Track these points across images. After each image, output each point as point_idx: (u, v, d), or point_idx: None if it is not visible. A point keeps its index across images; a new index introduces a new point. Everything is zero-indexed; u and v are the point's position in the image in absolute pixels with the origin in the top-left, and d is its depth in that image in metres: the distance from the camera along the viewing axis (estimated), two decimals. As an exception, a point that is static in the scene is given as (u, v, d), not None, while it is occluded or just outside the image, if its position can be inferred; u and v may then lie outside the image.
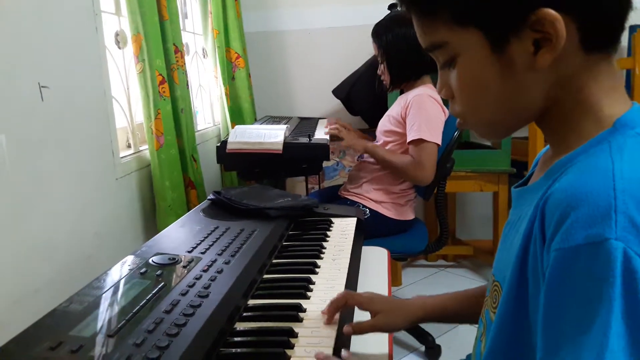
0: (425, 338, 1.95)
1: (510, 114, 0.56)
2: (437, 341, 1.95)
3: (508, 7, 0.50)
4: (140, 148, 1.72)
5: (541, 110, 0.55)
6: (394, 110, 1.90)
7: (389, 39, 1.81)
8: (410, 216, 1.95)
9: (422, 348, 1.96)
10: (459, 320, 0.82)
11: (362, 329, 0.76)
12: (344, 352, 0.66)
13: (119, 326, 0.67)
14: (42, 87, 1.21)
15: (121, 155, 1.57)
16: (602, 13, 0.50)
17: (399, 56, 1.82)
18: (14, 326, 0.67)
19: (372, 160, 1.92)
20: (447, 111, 1.84)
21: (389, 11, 1.93)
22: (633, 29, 2.44)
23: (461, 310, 0.78)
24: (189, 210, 1.76)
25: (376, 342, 0.81)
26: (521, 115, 0.57)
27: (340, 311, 0.79)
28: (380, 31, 1.85)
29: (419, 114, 1.75)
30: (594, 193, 0.44)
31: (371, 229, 1.67)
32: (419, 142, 1.74)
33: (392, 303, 0.80)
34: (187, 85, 1.88)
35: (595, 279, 0.41)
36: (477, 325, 0.67)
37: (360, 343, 0.81)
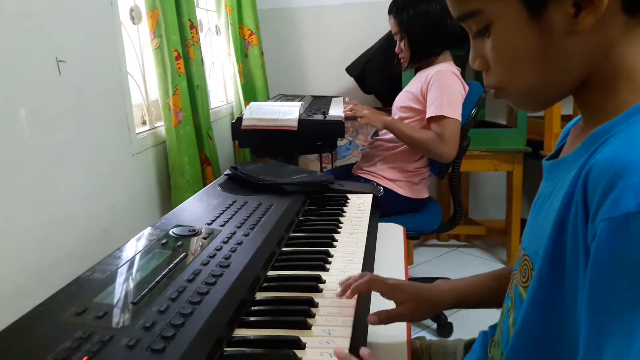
0: (437, 316, 1.96)
1: (550, 83, 0.54)
2: (449, 319, 1.96)
3: None
4: (155, 125, 1.72)
5: (581, 79, 0.53)
6: (413, 86, 1.88)
7: (411, 15, 1.78)
8: (424, 195, 1.95)
9: (434, 325, 1.97)
10: (485, 306, 0.78)
11: (389, 318, 0.73)
12: (362, 350, 0.63)
13: (142, 294, 0.68)
14: (60, 61, 1.21)
15: (137, 131, 1.58)
16: None
17: (422, 32, 1.79)
18: (35, 297, 0.68)
19: (386, 137, 1.91)
20: (467, 88, 1.81)
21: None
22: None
23: (488, 293, 0.76)
24: (205, 186, 1.77)
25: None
26: (561, 83, 0.54)
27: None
28: (400, 7, 1.81)
29: (442, 90, 1.73)
30: None
31: (385, 207, 1.66)
32: (440, 118, 1.73)
33: (419, 292, 0.75)
34: (202, 61, 1.87)
35: None
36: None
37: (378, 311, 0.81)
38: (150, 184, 1.64)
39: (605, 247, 0.42)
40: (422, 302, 0.74)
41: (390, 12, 1.85)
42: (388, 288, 0.74)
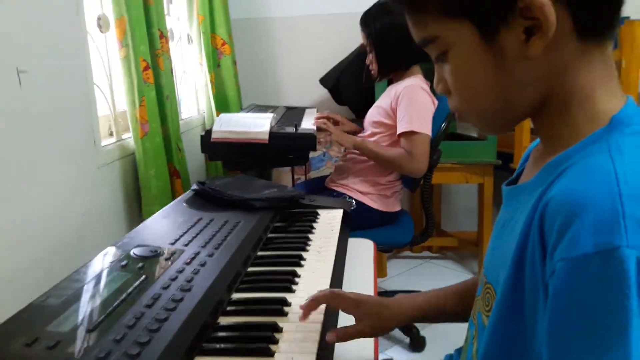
0: (409, 330, 1.96)
1: (507, 107, 0.55)
2: (422, 333, 1.96)
3: None
4: (123, 136, 1.68)
5: (538, 102, 0.53)
6: (383, 101, 1.88)
7: (378, 28, 1.79)
8: (396, 208, 1.95)
9: (407, 340, 1.97)
10: (447, 319, 0.78)
11: (348, 335, 0.72)
12: (328, 335, 0.62)
13: (98, 321, 0.65)
14: (20, 71, 1.17)
15: (103, 143, 1.54)
16: None
17: (388, 46, 1.80)
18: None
19: (358, 152, 1.91)
20: (436, 102, 1.83)
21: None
22: (621, 20, 2.46)
23: (450, 308, 0.76)
24: (174, 199, 1.73)
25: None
26: (519, 107, 0.55)
27: (326, 305, 0.76)
28: (368, 20, 1.82)
29: (411, 105, 1.74)
30: (598, 198, 0.42)
31: (357, 221, 1.66)
32: (410, 134, 1.73)
33: (379, 306, 0.74)
34: (172, 71, 1.84)
35: (608, 289, 0.40)
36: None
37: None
38: (116, 196, 1.60)
39: (562, 288, 0.42)
40: (381, 317, 0.74)
41: (360, 23, 1.86)
42: (350, 303, 0.74)
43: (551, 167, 0.51)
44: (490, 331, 0.54)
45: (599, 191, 0.43)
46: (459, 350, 0.73)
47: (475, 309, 0.63)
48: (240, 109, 2.56)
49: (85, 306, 0.70)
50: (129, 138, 1.64)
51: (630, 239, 0.40)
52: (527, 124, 2.36)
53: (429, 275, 2.53)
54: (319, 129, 1.88)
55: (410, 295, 0.78)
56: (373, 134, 1.90)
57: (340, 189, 1.92)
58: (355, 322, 0.74)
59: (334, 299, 0.74)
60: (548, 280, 0.44)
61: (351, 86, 2.50)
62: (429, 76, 1.92)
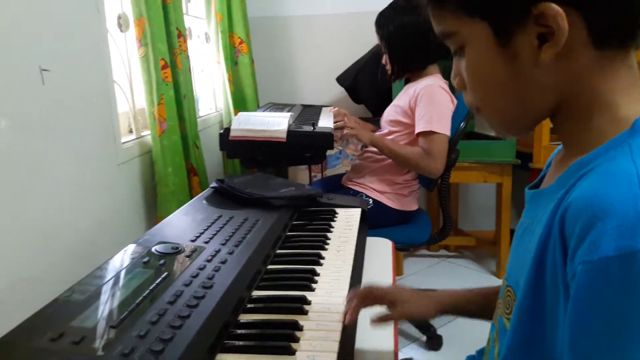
0: (426, 328, 1.95)
1: (518, 109, 0.55)
2: (439, 331, 1.95)
3: None
4: (142, 133, 1.70)
5: (552, 107, 0.53)
6: (402, 100, 1.87)
7: (391, 30, 1.78)
8: (413, 207, 1.94)
9: (424, 338, 1.96)
10: (477, 317, 0.78)
11: (391, 318, 0.74)
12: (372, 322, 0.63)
13: (121, 317, 0.66)
14: (43, 70, 1.19)
15: (123, 140, 1.55)
16: (612, 8, 0.48)
17: (401, 47, 1.79)
18: (15, 314, 0.66)
19: (375, 150, 1.90)
20: (455, 101, 1.81)
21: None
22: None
23: (481, 309, 0.75)
24: (191, 196, 1.75)
25: (381, 333, 0.80)
26: (530, 109, 0.55)
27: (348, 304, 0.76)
28: (382, 21, 1.82)
29: (430, 104, 1.73)
30: (621, 202, 0.42)
31: (374, 220, 1.65)
32: (429, 133, 1.72)
33: (419, 293, 0.78)
34: (190, 70, 1.85)
35: (630, 292, 0.40)
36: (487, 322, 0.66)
37: (365, 334, 0.80)
38: (135, 193, 1.62)
39: (584, 291, 0.42)
40: (424, 302, 0.76)
41: (375, 25, 1.85)
42: (389, 288, 0.77)
43: (572, 170, 0.50)
44: (511, 334, 0.54)
45: (621, 195, 0.42)
46: (480, 352, 0.72)
47: (496, 312, 0.62)
48: (257, 107, 2.57)
49: (109, 302, 0.70)
50: (148, 135, 1.66)
51: None
52: (547, 123, 2.34)
53: (446, 274, 2.52)
54: (336, 128, 1.87)
55: (440, 291, 0.79)
56: (390, 133, 1.89)
57: (357, 188, 1.91)
58: (390, 310, 0.75)
59: (375, 290, 0.76)
60: (569, 282, 0.44)
61: (368, 85, 2.49)
62: (447, 75, 1.90)
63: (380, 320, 0.73)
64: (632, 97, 0.51)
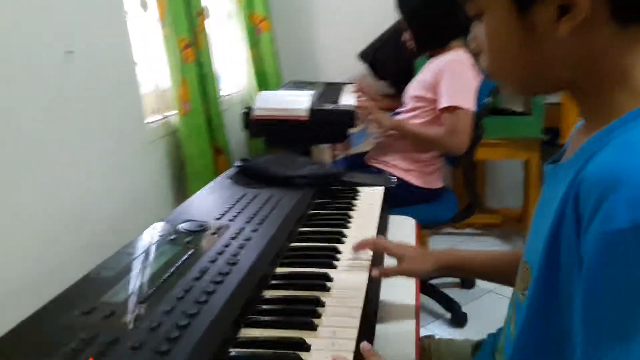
0: (451, 306, 1.95)
1: (533, 78, 0.55)
2: (463, 309, 1.95)
3: None
4: (167, 114, 1.72)
5: (569, 81, 0.53)
6: (425, 75, 1.84)
7: (413, 6, 1.75)
8: (438, 184, 1.92)
9: (448, 315, 1.96)
10: (484, 278, 0.86)
11: (390, 272, 0.82)
12: (363, 345, 0.64)
13: (149, 293, 0.68)
14: (68, 52, 1.21)
15: (149, 120, 1.57)
16: None
17: (423, 24, 1.76)
18: (49, 293, 0.68)
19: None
20: (480, 77, 1.78)
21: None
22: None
23: (488, 269, 0.81)
24: (217, 176, 1.77)
25: (405, 301, 0.85)
26: (545, 81, 0.55)
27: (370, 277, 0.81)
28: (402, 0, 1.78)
29: (454, 79, 1.70)
30: (635, 173, 0.41)
31: (399, 198, 1.64)
32: (453, 109, 1.70)
33: (420, 250, 0.85)
34: (211, 50, 1.85)
35: None
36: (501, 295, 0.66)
37: (385, 310, 0.82)
38: (163, 172, 1.64)
39: (597, 262, 0.42)
40: (421, 259, 0.82)
41: (395, 3, 1.81)
42: (392, 245, 0.86)
43: (590, 143, 0.50)
44: (526, 309, 0.54)
45: (635, 166, 0.42)
46: (500, 329, 0.72)
47: (514, 290, 0.62)
48: (280, 85, 2.56)
49: (137, 278, 0.73)
50: (173, 115, 1.68)
51: None
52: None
53: (471, 252, 2.50)
54: (359, 105, 1.86)
55: (449, 250, 0.86)
56: (414, 109, 1.87)
57: (381, 166, 1.91)
58: (398, 263, 0.83)
59: (379, 243, 0.87)
60: (583, 255, 0.44)
61: (390, 61, 2.45)
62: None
63: (382, 273, 0.82)
64: None
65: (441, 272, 0.83)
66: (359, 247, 0.87)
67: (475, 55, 0.60)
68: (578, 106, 0.55)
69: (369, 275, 0.82)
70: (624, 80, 0.49)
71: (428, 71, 1.83)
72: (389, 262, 0.87)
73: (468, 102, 1.70)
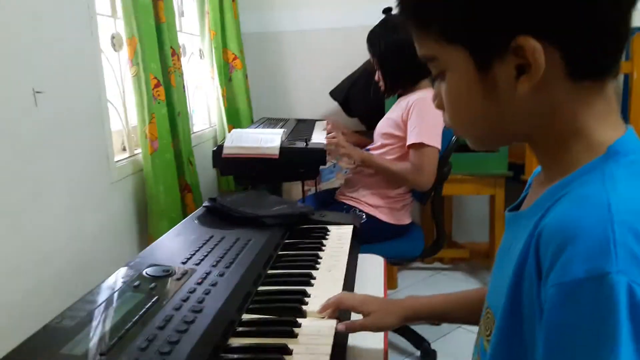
0: (420, 343, 1.95)
1: (494, 133, 0.57)
2: (433, 346, 1.95)
3: (492, 30, 0.50)
4: (135, 151, 1.71)
5: (528, 135, 0.55)
6: (394, 113, 1.89)
7: (382, 47, 1.81)
8: (406, 220, 1.95)
9: (418, 353, 1.96)
10: (450, 321, 0.86)
11: (354, 327, 0.80)
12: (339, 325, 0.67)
13: (111, 344, 0.66)
14: (37, 92, 1.20)
15: (116, 159, 1.56)
16: (588, 44, 0.49)
17: (394, 64, 1.82)
18: (7, 337, 0.66)
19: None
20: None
21: (384, 15, 1.92)
22: (633, 31, 2.44)
23: (452, 312, 0.82)
24: (185, 214, 1.75)
25: (373, 345, 0.84)
26: (505, 136, 0.57)
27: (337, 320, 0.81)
28: (373, 39, 1.84)
29: (421, 117, 1.75)
30: (591, 225, 0.43)
31: (368, 234, 1.66)
32: (419, 145, 1.74)
33: (384, 304, 0.83)
34: (184, 88, 1.87)
35: (600, 314, 0.41)
36: (469, 328, 0.67)
37: (354, 354, 0.81)
38: (129, 211, 1.62)
39: (555, 312, 0.43)
40: (384, 314, 0.81)
41: (367, 41, 1.88)
42: (356, 302, 0.83)
43: (548, 194, 0.51)
44: (490, 356, 0.55)
45: (591, 219, 0.44)
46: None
47: (478, 334, 0.63)
48: (252, 122, 2.58)
49: (99, 328, 0.71)
50: (140, 153, 1.67)
51: (620, 265, 0.41)
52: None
53: (440, 287, 2.52)
54: (329, 144, 1.89)
55: (415, 296, 0.85)
56: (383, 145, 1.91)
57: (351, 202, 1.93)
58: (362, 317, 0.81)
59: (345, 301, 0.84)
60: (543, 305, 0.45)
61: (361, 99, 2.51)
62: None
63: (347, 327, 0.80)
64: (607, 125, 0.52)
65: (408, 322, 0.83)
66: (323, 310, 0.84)
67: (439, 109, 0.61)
68: (537, 157, 0.57)
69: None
70: (579, 135, 0.51)
71: (397, 109, 1.88)
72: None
73: (434, 139, 1.74)
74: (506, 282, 0.52)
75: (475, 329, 0.66)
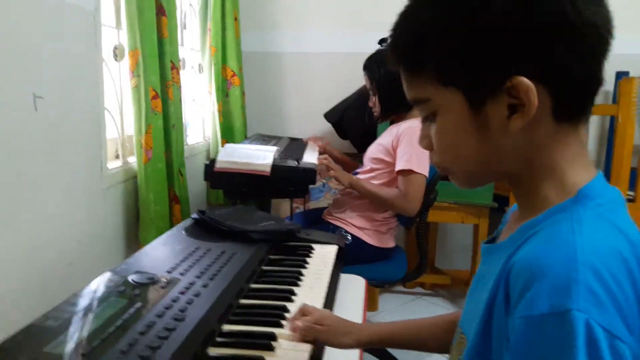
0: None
1: (484, 171, 0.59)
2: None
3: (488, 72, 0.53)
4: (129, 160, 1.73)
5: (514, 171, 0.57)
6: (385, 139, 1.94)
7: (382, 73, 1.87)
8: (390, 244, 1.98)
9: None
10: (413, 348, 0.86)
11: (308, 330, 0.82)
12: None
13: (93, 345, 0.68)
14: (37, 97, 1.23)
15: (109, 166, 1.59)
16: (574, 86, 0.53)
17: (391, 90, 1.87)
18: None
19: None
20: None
21: (380, 45, 1.98)
22: (619, 75, 2.53)
23: (415, 340, 0.83)
24: (171, 224, 1.77)
25: None
26: (494, 173, 0.59)
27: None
28: (372, 65, 1.90)
29: (410, 145, 1.80)
30: (556, 264, 0.47)
31: (352, 255, 1.69)
32: (408, 172, 1.78)
33: (342, 324, 0.85)
34: (181, 101, 1.90)
35: (559, 347, 0.44)
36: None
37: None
38: (118, 219, 1.64)
39: (520, 343, 0.47)
40: (340, 333, 0.83)
41: (364, 68, 1.93)
42: (316, 317, 0.85)
43: (522, 231, 0.55)
44: None
45: (557, 258, 0.47)
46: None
47: (450, 358, 0.66)
48: (245, 138, 2.62)
49: (82, 330, 0.73)
50: (134, 162, 1.69)
51: (581, 302, 0.44)
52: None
53: (420, 311, 2.54)
54: (320, 164, 1.93)
55: (375, 323, 0.85)
56: (372, 170, 1.95)
57: (337, 223, 1.96)
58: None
59: (305, 312, 0.85)
60: (510, 335, 0.48)
61: (354, 122, 2.56)
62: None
63: (304, 330, 0.82)
64: (578, 167, 0.56)
65: (364, 346, 0.85)
66: (292, 321, 0.86)
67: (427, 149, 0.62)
68: (514, 194, 0.61)
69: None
70: (553, 175, 0.55)
71: (388, 136, 1.93)
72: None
73: (422, 167, 1.79)
74: (479, 310, 0.56)
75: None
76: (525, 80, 0.51)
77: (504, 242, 0.58)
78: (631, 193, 2.26)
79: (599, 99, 2.71)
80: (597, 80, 0.54)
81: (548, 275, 0.46)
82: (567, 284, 0.45)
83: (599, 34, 0.53)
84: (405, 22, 0.59)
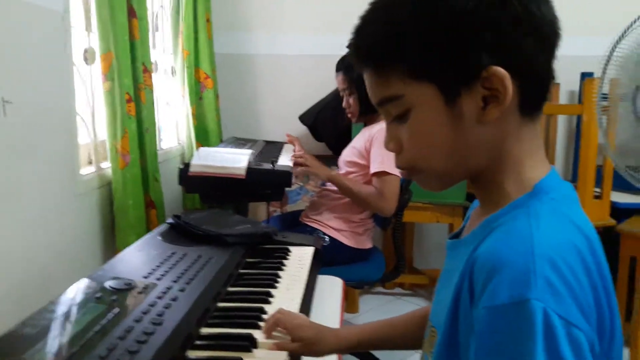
0: (376, 365, 1.98)
1: (458, 166, 0.59)
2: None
3: (462, 63, 0.54)
4: (102, 166, 1.71)
5: (482, 166, 0.58)
6: (358, 142, 1.96)
7: (359, 73, 1.88)
8: (368, 245, 2.00)
9: (373, 375, 1.99)
10: (389, 348, 0.88)
11: (285, 348, 0.82)
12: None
13: (72, 351, 0.68)
14: (5, 102, 1.21)
15: (83, 172, 1.57)
16: (538, 80, 0.56)
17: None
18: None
19: (333, 188, 1.97)
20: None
21: (348, 49, 2.00)
22: (583, 76, 2.61)
23: (391, 339, 0.86)
24: (147, 229, 1.76)
25: None
26: (466, 168, 0.59)
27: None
28: (350, 65, 1.91)
29: (383, 147, 1.81)
30: (515, 257, 0.49)
31: (330, 257, 1.71)
32: (382, 174, 1.81)
33: (318, 333, 0.84)
34: (154, 104, 1.89)
35: (520, 334, 0.46)
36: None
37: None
38: (92, 225, 1.62)
39: (484, 331, 0.49)
40: (318, 344, 0.83)
41: (338, 69, 1.95)
42: (291, 327, 0.84)
43: (483, 226, 0.57)
44: None
45: (516, 251, 0.50)
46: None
47: (423, 352, 0.68)
48: (220, 141, 2.61)
49: (60, 337, 0.72)
50: (108, 167, 1.68)
51: (538, 292, 0.47)
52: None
53: (401, 312, 2.49)
54: (296, 163, 1.93)
55: (351, 326, 0.88)
56: (347, 173, 1.97)
57: (314, 225, 1.97)
58: (291, 340, 0.83)
59: (280, 322, 0.85)
60: (474, 324, 0.51)
61: (329, 124, 2.58)
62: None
63: (279, 346, 0.82)
64: (535, 161, 0.58)
65: (342, 352, 0.86)
66: (266, 332, 0.86)
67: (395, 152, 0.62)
68: (475, 191, 0.63)
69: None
70: (513, 170, 0.57)
71: (361, 139, 1.95)
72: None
73: (395, 168, 1.81)
74: (447, 303, 0.58)
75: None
76: (501, 69, 0.53)
77: (467, 237, 0.61)
78: (597, 190, 2.33)
79: (565, 99, 2.79)
80: (552, 75, 0.57)
81: (508, 267, 0.49)
82: (525, 275, 0.48)
83: (554, 30, 0.56)
84: (371, 22, 0.60)
